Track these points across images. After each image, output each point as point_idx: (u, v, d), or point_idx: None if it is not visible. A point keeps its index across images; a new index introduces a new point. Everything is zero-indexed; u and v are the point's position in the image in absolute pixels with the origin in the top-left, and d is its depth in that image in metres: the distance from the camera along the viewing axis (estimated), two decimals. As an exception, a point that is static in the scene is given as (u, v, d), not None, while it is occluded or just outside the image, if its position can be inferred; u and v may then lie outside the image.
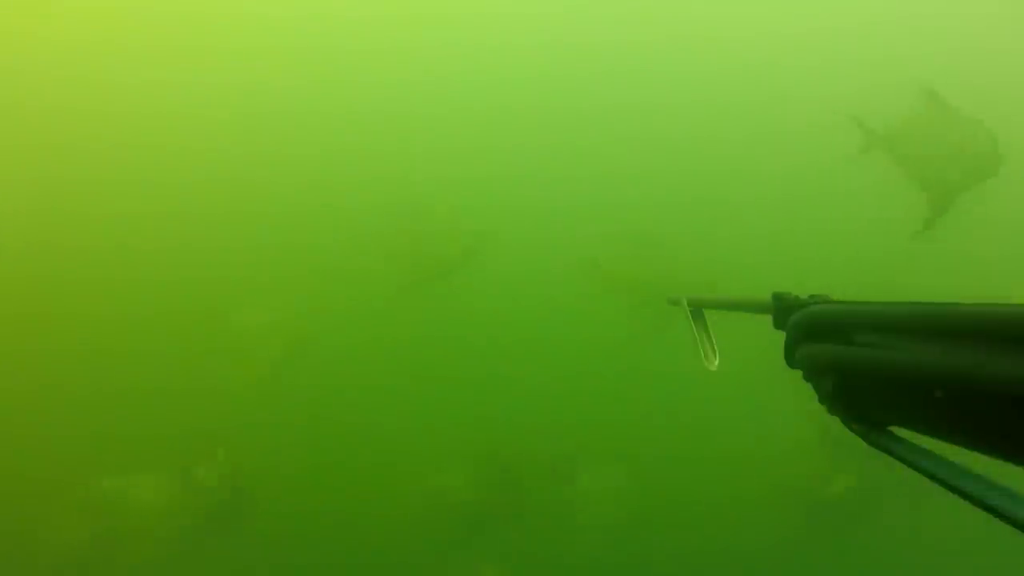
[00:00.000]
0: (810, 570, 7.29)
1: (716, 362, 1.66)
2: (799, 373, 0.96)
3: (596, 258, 7.78)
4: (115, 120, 8.50)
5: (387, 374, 7.90)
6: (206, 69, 8.81)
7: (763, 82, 8.81)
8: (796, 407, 4.60)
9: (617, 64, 9.09)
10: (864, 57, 8.58)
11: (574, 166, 8.94)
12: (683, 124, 8.77)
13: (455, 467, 7.07)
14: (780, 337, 1.03)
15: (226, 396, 7.10)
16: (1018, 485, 0.62)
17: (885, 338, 0.77)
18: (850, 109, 7.33)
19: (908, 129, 6.99)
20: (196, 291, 7.77)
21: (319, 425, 7.46)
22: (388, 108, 9.14)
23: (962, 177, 6.77)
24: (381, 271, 7.67)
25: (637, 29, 9.16)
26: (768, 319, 1.15)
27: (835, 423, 0.88)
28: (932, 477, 0.71)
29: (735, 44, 8.79)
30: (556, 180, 8.84)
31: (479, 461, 7.06)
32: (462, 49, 9.39)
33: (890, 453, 0.79)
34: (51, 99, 8.37)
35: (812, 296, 1.05)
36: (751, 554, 7.06)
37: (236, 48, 8.99)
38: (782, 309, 1.08)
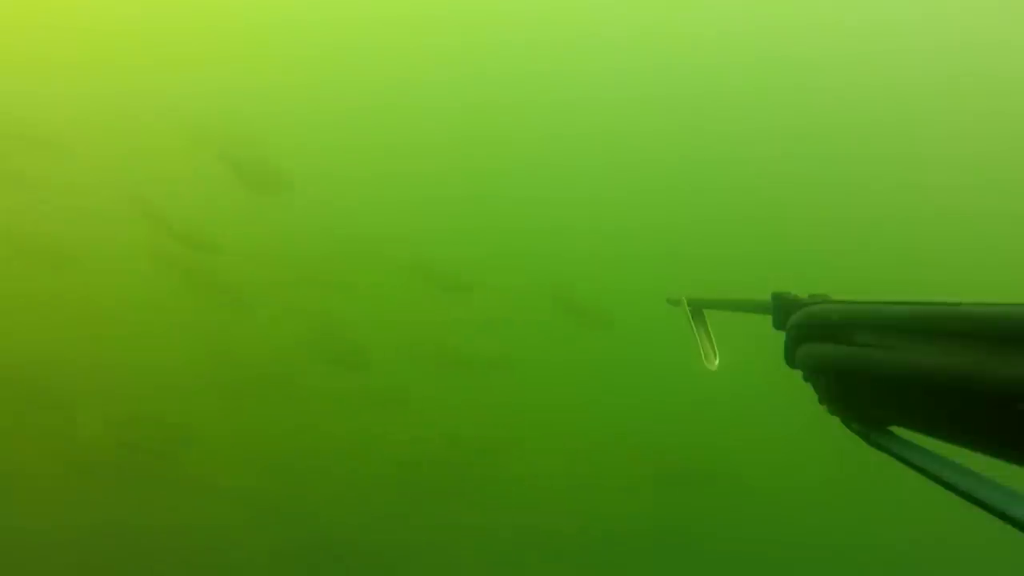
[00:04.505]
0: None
1: (716, 362, 1.66)
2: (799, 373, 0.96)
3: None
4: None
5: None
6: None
7: (767, 78, 8.76)
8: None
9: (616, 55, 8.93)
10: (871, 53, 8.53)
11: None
12: (682, 122, 8.73)
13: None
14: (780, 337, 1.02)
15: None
16: (1018, 485, 0.62)
17: (885, 338, 0.77)
18: (851, 107, 7.31)
19: None
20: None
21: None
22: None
23: None
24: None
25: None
26: (768, 319, 1.15)
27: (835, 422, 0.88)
28: (932, 477, 0.71)
29: (734, 40, 8.74)
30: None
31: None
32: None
33: (890, 453, 0.79)
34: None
35: (812, 296, 1.05)
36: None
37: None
38: (782, 309, 1.07)
